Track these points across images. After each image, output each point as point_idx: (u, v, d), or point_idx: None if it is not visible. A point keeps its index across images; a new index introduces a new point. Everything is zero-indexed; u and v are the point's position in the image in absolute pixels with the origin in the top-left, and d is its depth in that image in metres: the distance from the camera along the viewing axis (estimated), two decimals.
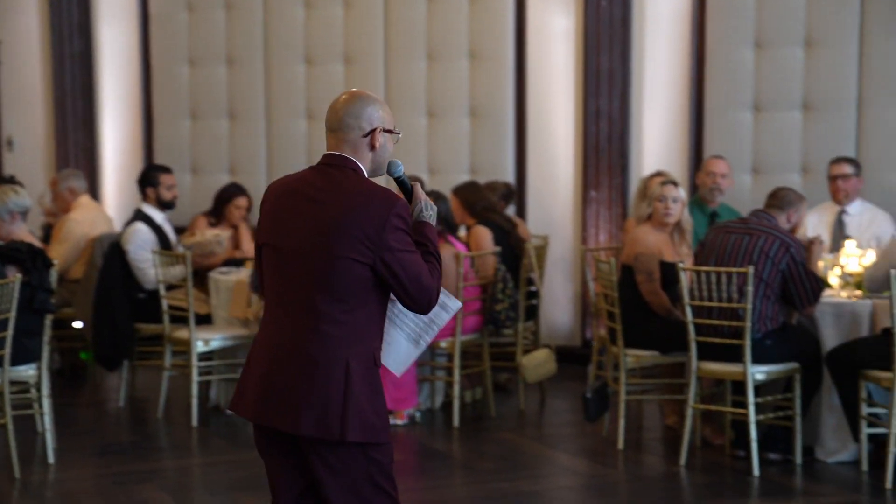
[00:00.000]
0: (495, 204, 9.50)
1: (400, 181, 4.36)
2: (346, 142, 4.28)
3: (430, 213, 4.36)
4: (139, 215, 9.33)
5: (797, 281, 7.08)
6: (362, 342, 4.23)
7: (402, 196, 4.36)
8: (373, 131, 4.29)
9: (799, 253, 7.15)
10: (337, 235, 4.14)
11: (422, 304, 4.25)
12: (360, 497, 4.23)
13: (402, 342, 4.56)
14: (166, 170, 9.70)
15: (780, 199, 7.39)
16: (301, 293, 4.21)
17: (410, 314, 4.45)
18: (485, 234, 8.96)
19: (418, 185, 4.39)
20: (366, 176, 4.32)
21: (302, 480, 4.36)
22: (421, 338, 4.56)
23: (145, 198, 9.40)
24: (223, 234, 9.38)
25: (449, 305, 4.55)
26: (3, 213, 7.93)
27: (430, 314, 4.47)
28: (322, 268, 4.17)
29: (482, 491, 7.03)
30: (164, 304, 8.70)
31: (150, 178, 9.49)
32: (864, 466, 7.12)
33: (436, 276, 4.28)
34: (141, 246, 9.14)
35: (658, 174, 9.05)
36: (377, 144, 4.32)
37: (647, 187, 8.69)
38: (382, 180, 5.61)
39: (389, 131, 4.34)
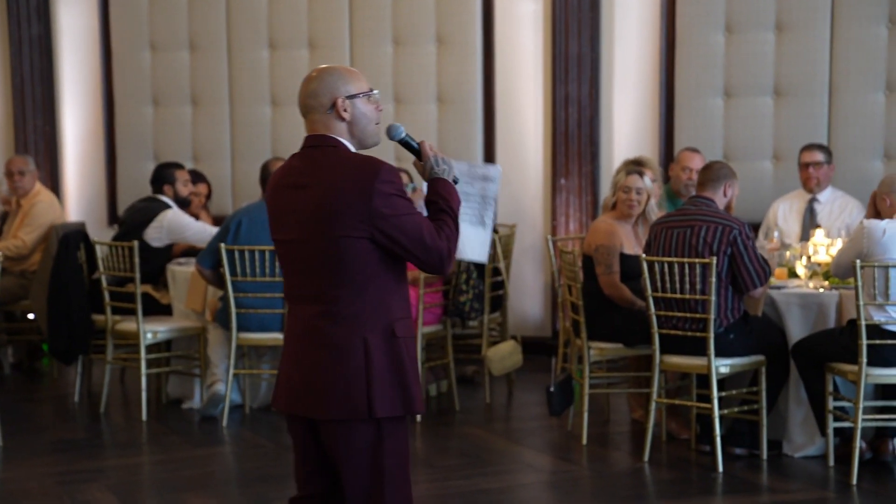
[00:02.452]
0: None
1: (404, 143, 4.33)
2: (316, 122, 4.27)
3: (443, 167, 4.33)
4: (163, 204, 9.21)
5: (740, 263, 7.01)
6: (378, 317, 4.22)
7: (412, 157, 4.42)
8: (334, 102, 4.25)
9: (742, 234, 7.06)
10: (329, 217, 4.15)
11: (433, 264, 4.22)
12: (380, 474, 4.26)
13: (469, 229, 4.57)
14: (180, 166, 9.63)
15: (713, 174, 7.30)
16: (310, 281, 4.24)
17: (464, 203, 4.47)
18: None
19: (426, 143, 4.38)
20: (349, 149, 4.29)
21: (329, 472, 4.40)
22: (484, 216, 4.59)
23: (162, 195, 9.29)
24: None
25: (490, 174, 4.64)
26: None
27: (481, 190, 4.61)
28: (324, 252, 4.18)
29: (443, 488, 7.00)
30: (107, 295, 8.67)
31: (165, 175, 9.38)
32: (831, 461, 7.04)
33: (444, 233, 4.23)
34: (192, 224, 9.21)
35: (636, 161, 8.80)
36: (344, 114, 4.26)
37: (624, 175, 8.49)
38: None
39: (355, 95, 4.27)
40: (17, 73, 12.12)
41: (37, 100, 12.05)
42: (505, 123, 10.72)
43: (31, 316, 9.93)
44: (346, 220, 4.12)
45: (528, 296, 10.60)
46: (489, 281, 9.03)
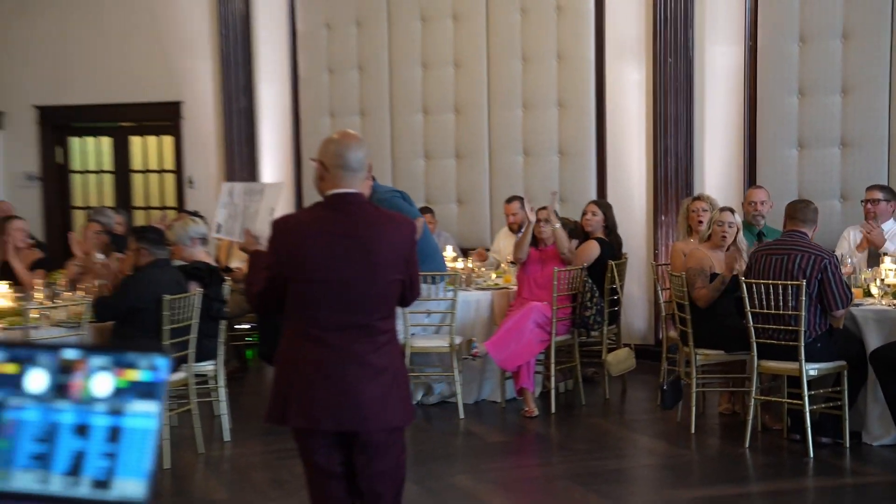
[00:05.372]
0: (616, 226, 9.46)
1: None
2: (357, 181, 4.20)
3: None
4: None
5: (828, 288, 6.88)
6: (398, 340, 4.36)
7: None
8: (370, 168, 4.43)
9: (832, 263, 6.97)
10: (383, 263, 4.15)
11: (415, 299, 4.50)
12: (397, 469, 4.32)
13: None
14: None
15: (806, 215, 7.21)
16: (355, 314, 4.14)
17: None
18: (593, 249, 8.89)
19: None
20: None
21: (350, 488, 4.34)
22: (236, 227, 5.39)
23: None
24: None
25: (256, 189, 5.51)
26: (186, 238, 8.03)
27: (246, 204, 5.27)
28: (377, 292, 4.15)
29: (577, 468, 6.96)
30: None
31: None
32: None
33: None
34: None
35: (697, 198, 8.89)
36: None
37: (690, 210, 8.65)
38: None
39: None
40: (229, 138, 12.30)
41: (243, 158, 12.26)
42: (614, 172, 10.63)
43: (245, 326, 10.03)
44: (396, 265, 4.16)
45: (635, 311, 10.52)
46: (608, 299, 8.97)
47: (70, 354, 2.29)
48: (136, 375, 2.27)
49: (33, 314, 7.45)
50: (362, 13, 11.54)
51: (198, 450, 7.48)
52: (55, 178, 13.51)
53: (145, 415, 2.24)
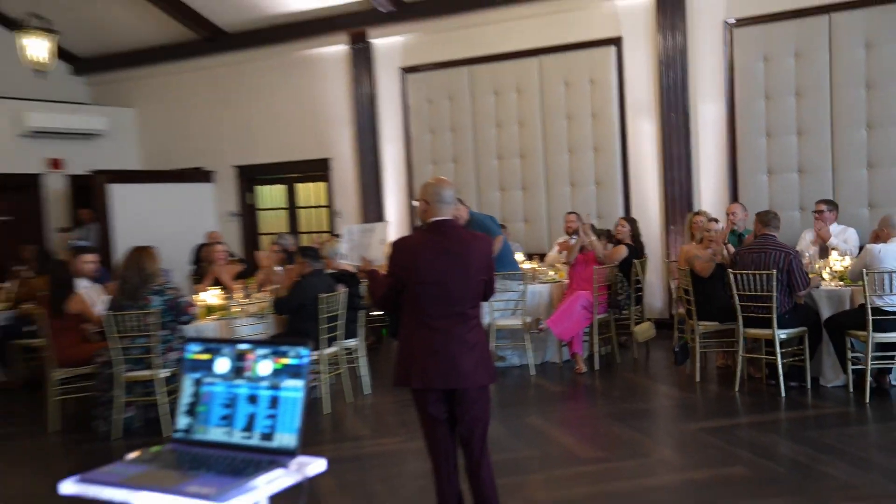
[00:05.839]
0: (640, 235, 9.46)
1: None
2: (450, 210, 4.16)
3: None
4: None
5: (793, 275, 6.86)
6: (483, 323, 4.27)
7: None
8: (456, 203, 4.46)
9: (795, 257, 6.92)
10: (474, 269, 4.09)
11: (493, 295, 4.35)
12: (485, 414, 4.19)
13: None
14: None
15: (773, 222, 7.16)
16: (454, 306, 4.07)
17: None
18: (622, 251, 8.82)
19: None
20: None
21: (454, 430, 4.24)
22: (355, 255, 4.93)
23: None
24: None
25: (369, 227, 5.10)
26: (333, 254, 8.15)
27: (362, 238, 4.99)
28: (469, 289, 4.08)
29: (614, 409, 6.94)
30: None
31: None
32: (851, 389, 6.89)
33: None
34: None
35: (697, 213, 8.89)
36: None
37: (693, 221, 8.63)
38: None
39: None
40: (363, 183, 12.31)
41: (371, 197, 12.19)
42: (636, 196, 10.53)
43: (379, 312, 9.67)
44: (481, 270, 4.11)
45: (654, 295, 10.39)
46: (634, 287, 8.94)
47: (243, 347, 2.48)
48: (287, 361, 2.42)
49: (234, 309, 7.71)
50: (451, 90, 11.51)
51: (346, 400, 7.55)
52: (248, 214, 13.71)
53: (294, 388, 2.39)
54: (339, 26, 12.04)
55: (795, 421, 6.32)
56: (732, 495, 4.81)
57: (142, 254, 6.96)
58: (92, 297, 7.47)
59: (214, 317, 7.59)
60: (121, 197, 12.55)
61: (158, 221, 12.59)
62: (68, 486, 2.29)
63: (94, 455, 6.38)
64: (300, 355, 2.41)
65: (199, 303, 7.81)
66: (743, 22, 9.72)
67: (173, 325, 6.87)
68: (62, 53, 13.59)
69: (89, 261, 7.92)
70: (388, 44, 11.96)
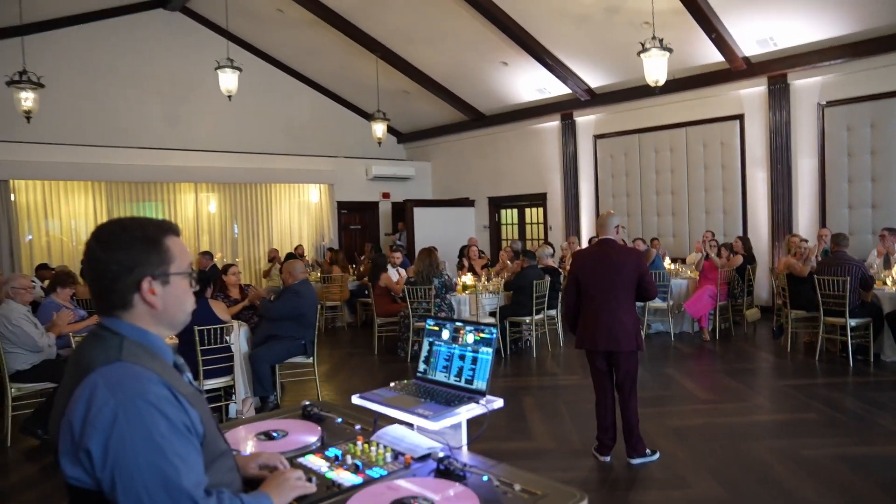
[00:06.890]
0: (752, 248, 9.09)
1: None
2: (612, 232, 3.96)
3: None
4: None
5: (861, 281, 6.50)
6: (635, 307, 3.98)
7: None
8: (618, 226, 3.99)
9: (863, 269, 6.51)
10: (630, 270, 3.87)
11: (652, 296, 3.96)
12: (634, 369, 3.96)
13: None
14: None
15: (843, 242, 6.72)
16: (613, 295, 3.87)
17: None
18: (738, 260, 8.51)
19: None
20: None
21: (612, 378, 4.05)
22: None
23: None
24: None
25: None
26: (544, 255, 7.84)
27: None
28: (625, 284, 3.87)
29: (729, 368, 6.72)
30: None
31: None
32: None
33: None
34: None
35: (793, 235, 8.38)
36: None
37: (790, 241, 8.14)
38: None
39: None
40: (565, 210, 12.03)
41: (572, 220, 12.06)
42: (751, 221, 10.05)
43: None
44: (635, 271, 3.88)
45: (761, 290, 9.90)
46: (746, 284, 8.63)
47: (458, 324, 2.36)
48: (483, 335, 2.30)
49: (480, 287, 7.81)
50: (626, 149, 11.31)
51: (548, 349, 7.48)
52: (495, 228, 13.84)
53: (486, 353, 2.26)
54: (554, 110, 12.23)
55: (858, 384, 6.02)
56: (806, 433, 4.70)
57: (429, 251, 7.46)
58: (395, 276, 8.13)
59: (468, 292, 7.62)
60: (420, 215, 13.37)
61: (441, 231, 13.19)
62: (355, 399, 2.24)
63: (395, 370, 6.84)
64: (491, 332, 2.28)
65: (460, 282, 7.93)
66: (832, 103, 9.16)
67: (444, 296, 7.30)
68: (391, 130, 14.84)
69: (398, 255, 8.55)
70: (586, 120, 11.94)
